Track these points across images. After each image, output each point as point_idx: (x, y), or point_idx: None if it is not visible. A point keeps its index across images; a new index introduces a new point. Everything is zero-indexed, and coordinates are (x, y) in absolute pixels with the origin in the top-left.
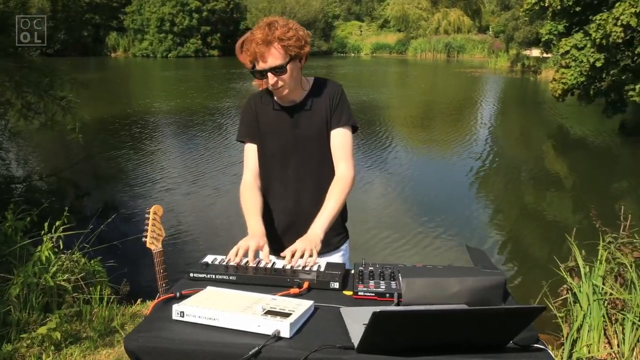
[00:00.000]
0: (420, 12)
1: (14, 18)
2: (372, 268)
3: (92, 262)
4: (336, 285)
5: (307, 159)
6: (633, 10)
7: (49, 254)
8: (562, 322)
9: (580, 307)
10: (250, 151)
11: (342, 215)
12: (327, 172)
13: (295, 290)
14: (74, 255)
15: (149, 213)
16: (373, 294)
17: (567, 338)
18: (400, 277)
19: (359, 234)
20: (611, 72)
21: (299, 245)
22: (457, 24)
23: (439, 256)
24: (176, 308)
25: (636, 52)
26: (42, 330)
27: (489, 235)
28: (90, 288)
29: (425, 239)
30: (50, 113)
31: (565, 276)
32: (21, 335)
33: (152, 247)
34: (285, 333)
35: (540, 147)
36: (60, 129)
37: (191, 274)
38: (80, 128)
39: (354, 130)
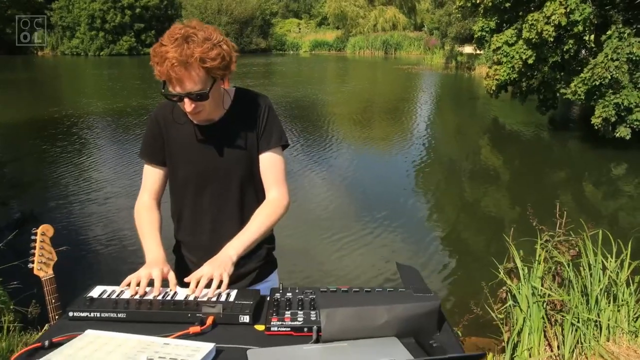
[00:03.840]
0: (358, 10)
1: None
2: (290, 295)
3: None
4: (246, 318)
5: (227, 187)
6: (563, 10)
7: None
8: (503, 325)
9: (520, 309)
10: (149, 172)
11: (269, 241)
12: (251, 201)
13: (196, 328)
14: None
15: (35, 234)
16: (289, 329)
17: (507, 342)
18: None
19: (298, 236)
20: (542, 69)
21: (205, 270)
22: (393, 21)
23: (378, 254)
24: None
25: (564, 49)
26: None
27: (429, 232)
28: None
29: (367, 236)
30: None
31: (505, 278)
32: None
33: (41, 274)
34: None
35: (476, 142)
36: None
37: (70, 313)
38: None
39: (285, 147)
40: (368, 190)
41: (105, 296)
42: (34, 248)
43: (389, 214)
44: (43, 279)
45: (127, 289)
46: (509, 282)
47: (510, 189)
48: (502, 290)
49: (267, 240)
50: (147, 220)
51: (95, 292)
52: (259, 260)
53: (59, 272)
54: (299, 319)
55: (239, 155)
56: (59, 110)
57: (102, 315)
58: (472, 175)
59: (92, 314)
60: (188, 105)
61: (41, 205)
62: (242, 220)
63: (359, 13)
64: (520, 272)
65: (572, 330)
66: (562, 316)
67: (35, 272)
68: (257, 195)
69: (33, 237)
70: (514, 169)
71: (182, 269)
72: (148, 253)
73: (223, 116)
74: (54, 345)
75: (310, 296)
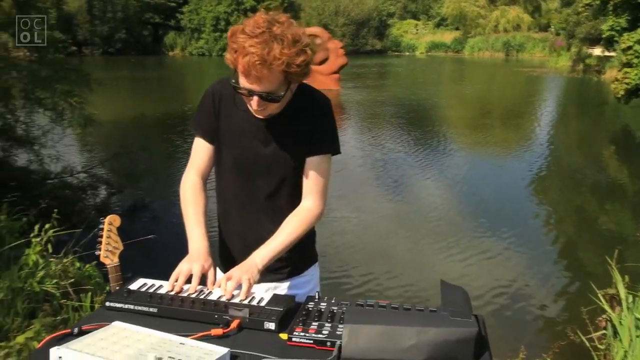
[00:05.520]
0: (478, 10)
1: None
2: (323, 305)
3: (86, 266)
4: (272, 326)
5: (267, 182)
6: None
7: (37, 257)
8: (601, 358)
9: (621, 342)
10: (199, 147)
11: (309, 235)
12: (287, 201)
13: (217, 331)
14: (65, 260)
15: (103, 224)
16: (311, 341)
17: None
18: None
19: (401, 238)
20: None
21: (232, 273)
22: (516, 21)
23: (486, 261)
24: (55, 352)
25: None
26: (20, 339)
27: (535, 245)
28: (81, 295)
29: (474, 244)
30: (59, 109)
31: (605, 305)
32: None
33: (107, 262)
34: None
35: (601, 152)
36: (95, 124)
37: (107, 303)
38: (120, 124)
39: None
40: (479, 196)
41: (143, 289)
42: (101, 237)
43: (496, 222)
44: (108, 266)
45: (165, 284)
46: (609, 310)
47: (636, 208)
48: (601, 318)
49: (308, 235)
50: (193, 204)
51: (136, 284)
52: (296, 253)
53: (148, 260)
54: (324, 331)
55: (287, 154)
56: (181, 106)
57: (136, 308)
58: (594, 188)
59: (126, 306)
60: (255, 103)
61: (152, 195)
62: (274, 219)
63: (480, 13)
64: (623, 300)
65: None
66: None
67: (102, 259)
68: (294, 197)
69: (100, 227)
70: None
71: (223, 246)
72: (192, 242)
73: (282, 111)
74: (82, 333)
75: (344, 308)
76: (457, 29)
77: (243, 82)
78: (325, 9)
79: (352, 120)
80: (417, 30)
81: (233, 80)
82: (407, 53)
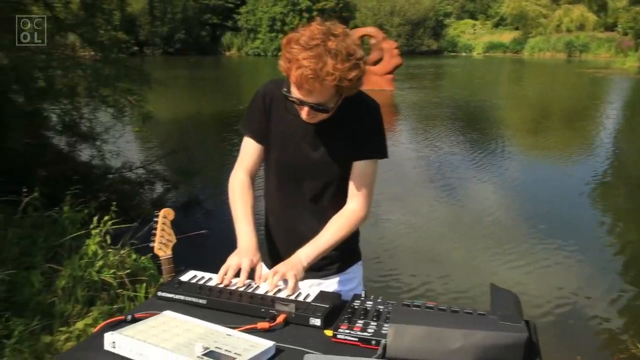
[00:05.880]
0: (540, 9)
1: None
2: (369, 304)
3: (142, 258)
4: (317, 322)
5: (314, 184)
6: None
7: (96, 248)
8: None
9: None
10: (248, 147)
11: (354, 236)
12: (333, 202)
13: (264, 324)
14: (123, 251)
15: (157, 217)
16: (356, 339)
17: None
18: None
19: (455, 242)
20: None
21: (278, 268)
22: (580, 20)
23: (545, 269)
24: (109, 337)
25: None
26: (80, 325)
27: (602, 253)
28: (136, 285)
29: (532, 251)
30: (120, 106)
31: None
32: (60, 329)
33: (160, 253)
34: None
35: None
36: (154, 122)
37: (159, 293)
38: (176, 121)
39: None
40: (539, 201)
41: (194, 281)
42: (156, 229)
43: (557, 228)
44: (162, 258)
45: (215, 277)
46: None
47: None
48: None
49: (352, 235)
50: (241, 201)
51: (186, 276)
52: (340, 251)
53: (199, 255)
54: (369, 330)
55: (334, 157)
56: (236, 105)
57: (186, 298)
58: None
59: (177, 296)
60: (305, 113)
61: (205, 192)
62: (317, 218)
63: (541, 12)
64: None
65: None
66: None
67: (156, 251)
68: (339, 199)
69: (155, 220)
70: None
71: (268, 244)
72: (240, 238)
73: (330, 116)
74: (135, 320)
75: (390, 308)
76: (516, 28)
77: (294, 92)
78: (381, 9)
79: (407, 122)
80: (475, 30)
81: (285, 89)
82: (464, 54)
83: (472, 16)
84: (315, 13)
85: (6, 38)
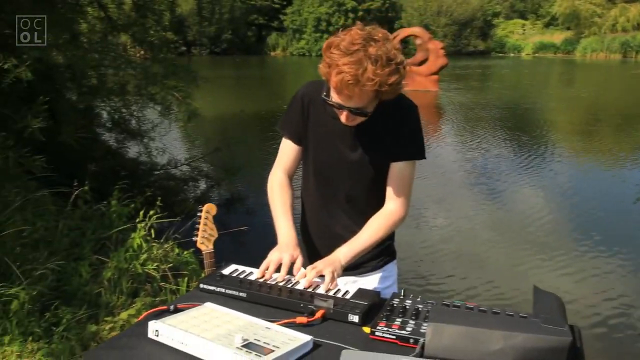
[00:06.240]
0: (594, 8)
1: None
2: (409, 302)
3: (185, 253)
4: (355, 318)
5: (353, 185)
6: None
7: (141, 241)
8: None
9: None
10: (287, 148)
11: (390, 236)
12: (371, 203)
13: (302, 319)
14: (166, 245)
15: (201, 211)
16: (394, 337)
17: None
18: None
19: (501, 247)
20: None
21: (318, 265)
22: (638, 20)
23: (591, 279)
24: (152, 326)
25: None
26: (124, 315)
27: None
28: (178, 279)
29: (582, 259)
30: (167, 103)
31: None
32: (105, 318)
33: (202, 247)
34: None
35: None
36: (199, 120)
37: (201, 285)
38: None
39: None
40: (588, 206)
41: (234, 275)
42: (199, 224)
43: (609, 236)
44: (204, 252)
45: (255, 271)
46: None
47: None
48: None
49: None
50: (280, 199)
51: (228, 269)
52: (376, 250)
53: (239, 251)
54: (407, 328)
55: (372, 159)
56: (280, 104)
57: (227, 291)
58: None
59: (218, 289)
60: (344, 117)
61: (248, 189)
62: (354, 219)
63: (595, 12)
64: None
65: None
66: None
67: (198, 245)
68: (377, 199)
69: (198, 214)
70: None
71: (306, 242)
72: (280, 234)
73: (369, 118)
74: (177, 311)
75: (429, 307)
76: (568, 28)
77: (334, 96)
78: (427, 9)
79: (452, 123)
80: (525, 30)
81: (324, 94)
82: (512, 54)
83: (522, 16)
84: (360, 13)
85: (62, 38)
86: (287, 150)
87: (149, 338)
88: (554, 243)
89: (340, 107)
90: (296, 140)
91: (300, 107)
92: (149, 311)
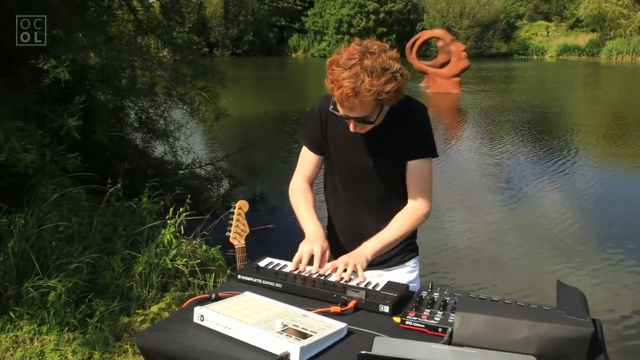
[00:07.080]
0: (621, 10)
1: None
2: (436, 294)
3: (212, 249)
4: (386, 309)
5: (373, 187)
6: None
7: (171, 237)
8: None
9: None
10: (306, 156)
11: (413, 232)
12: (393, 203)
13: (336, 308)
14: (194, 242)
15: (234, 208)
16: (423, 326)
17: None
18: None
19: (523, 252)
20: None
21: (343, 259)
22: None
23: (614, 287)
24: (198, 311)
25: None
26: (154, 308)
27: None
28: (206, 275)
29: (602, 267)
30: (195, 104)
31: None
32: (136, 311)
33: (235, 243)
34: (295, 356)
35: None
36: (225, 120)
37: (239, 276)
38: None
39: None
40: (614, 212)
41: (270, 267)
42: (232, 220)
43: (635, 243)
44: (236, 247)
45: (289, 264)
46: None
47: None
48: None
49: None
50: (303, 201)
51: (264, 262)
52: (400, 245)
53: (263, 249)
54: (435, 318)
55: (388, 161)
56: (302, 106)
57: (263, 282)
58: None
59: (255, 280)
60: (352, 127)
61: (270, 188)
62: (380, 219)
63: (622, 13)
64: None
65: None
66: None
67: (231, 240)
68: (400, 199)
69: (232, 210)
70: None
71: (333, 246)
72: (307, 229)
73: (379, 124)
74: (218, 299)
75: (457, 299)
76: (593, 30)
77: (339, 108)
78: (450, 10)
79: (475, 126)
80: (549, 32)
81: (332, 107)
82: (535, 57)
83: (546, 17)
84: (382, 15)
85: (95, 39)
86: (307, 159)
87: (194, 322)
88: (577, 249)
89: (347, 118)
90: (315, 150)
91: (318, 120)
92: (192, 298)
